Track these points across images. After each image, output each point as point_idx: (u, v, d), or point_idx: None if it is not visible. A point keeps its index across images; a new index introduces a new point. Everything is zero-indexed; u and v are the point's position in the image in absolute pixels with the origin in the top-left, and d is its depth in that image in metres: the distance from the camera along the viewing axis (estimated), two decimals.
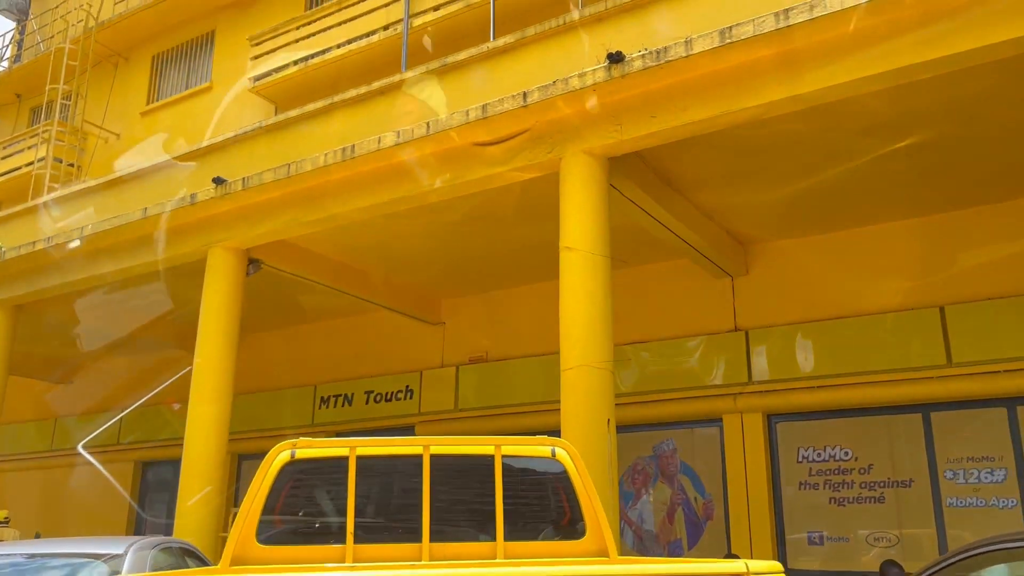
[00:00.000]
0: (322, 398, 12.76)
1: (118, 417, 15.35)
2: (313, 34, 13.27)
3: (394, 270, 10.94)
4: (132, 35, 17.30)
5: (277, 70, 13.52)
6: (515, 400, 10.96)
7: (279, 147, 8.84)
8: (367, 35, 12.43)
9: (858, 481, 8.79)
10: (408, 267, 10.79)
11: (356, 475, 3.40)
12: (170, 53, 17.18)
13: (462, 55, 7.77)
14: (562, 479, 3.62)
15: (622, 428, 10.36)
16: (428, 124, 7.34)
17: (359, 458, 3.45)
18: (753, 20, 5.85)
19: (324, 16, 13.20)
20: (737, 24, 5.92)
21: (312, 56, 13.05)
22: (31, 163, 16.91)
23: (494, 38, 9.72)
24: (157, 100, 17.03)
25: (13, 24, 20.47)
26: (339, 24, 12.98)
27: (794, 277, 9.50)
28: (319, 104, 8.67)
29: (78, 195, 10.57)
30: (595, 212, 6.75)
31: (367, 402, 12.29)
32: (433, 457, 3.52)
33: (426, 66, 8.01)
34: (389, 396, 12.16)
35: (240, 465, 13.80)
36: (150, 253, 9.61)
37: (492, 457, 3.60)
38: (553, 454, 3.64)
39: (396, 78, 8.06)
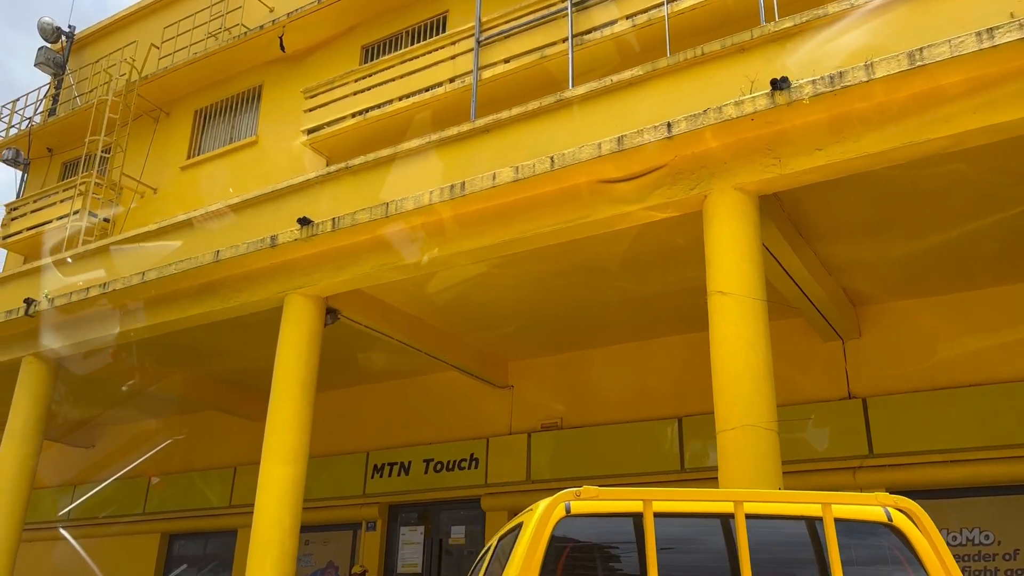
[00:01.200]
0: (375, 466, 11.83)
1: (99, 488, 14.40)
2: (372, 87, 12.86)
3: (467, 327, 10.19)
4: (175, 89, 16.96)
5: (332, 123, 13.06)
6: (598, 471, 10.07)
7: (366, 188, 8.22)
8: (431, 87, 12.01)
9: (1003, 568, 7.89)
10: (482, 323, 10.06)
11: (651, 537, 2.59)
12: (214, 107, 16.80)
13: (581, 90, 7.23)
14: (902, 550, 2.80)
15: None
16: (552, 159, 6.72)
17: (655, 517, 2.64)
18: (950, 41, 5.29)
19: (384, 69, 12.80)
20: (929, 45, 5.36)
21: (371, 108, 12.60)
22: (64, 216, 16.30)
23: (572, 85, 9.24)
24: (198, 154, 16.56)
25: (49, 78, 20.09)
26: (401, 77, 12.58)
27: (914, 340, 8.78)
28: (416, 143, 8.08)
29: (134, 239, 9.88)
30: (750, 252, 6.08)
31: (426, 471, 11.37)
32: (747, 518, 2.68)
33: (539, 101, 7.46)
34: (451, 465, 11.25)
35: None
36: (216, 300, 8.89)
37: (813, 520, 2.77)
38: (889, 518, 2.81)
39: (506, 114, 7.49)
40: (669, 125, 6.26)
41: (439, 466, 11.34)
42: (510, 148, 7.35)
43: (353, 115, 12.88)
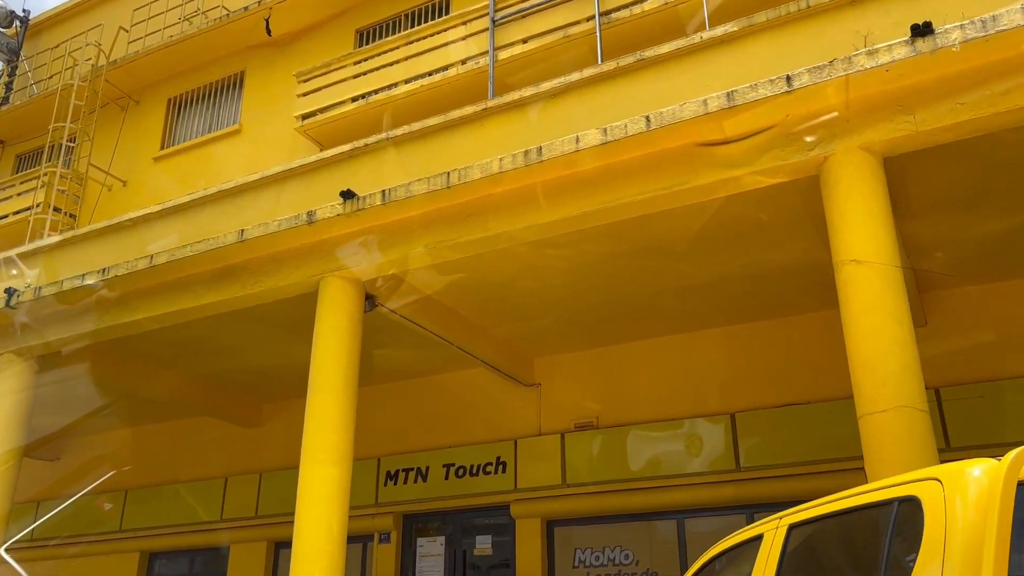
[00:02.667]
0: (388, 473, 10.93)
1: (66, 504, 13.16)
2: (373, 70, 12.09)
3: (500, 319, 9.44)
4: (146, 76, 15.87)
5: (328, 108, 12.24)
6: (642, 472, 9.40)
7: (414, 160, 7.45)
8: (440, 70, 11.32)
9: None
10: (518, 315, 9.31)
11: None
12: (190, 95, 15.73)
13: (664, 48, 6.61)
14: None
15: (782, 504, 8.94)
16: (648, 118, 6.07)
17: None
18: None
19: (387, 51, 12.06)
20: None
21: (373, 92, 11.83)
22: (21, 211, 15.00)
23: (601, 60, 8.58)
24: (173, 144, 15.46)
25: (1, 65, 18.66)
26: (406, 59, 11.85)
27: (987, 327, 8.37)
28: (471, 109, 7.35)
29: (135, 223, 8.88)
30: (883, 218, 5.52)
31: (447, 476, 10.53)
32: None
33: (635, 55, 6.78)
34: (475, 470, 10.43)
35: (278, 555, 11.73)
36: (237, 286, 7.97)
37: None
38: None
39: (590, 71, 6.81)
40: (788, 78, 5.66)
41: (461, 471, 10.52)
42: (589, 113, 6.67)
43: (353, 99, 12.11)
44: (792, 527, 2.57)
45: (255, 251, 7.77)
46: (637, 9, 10.01)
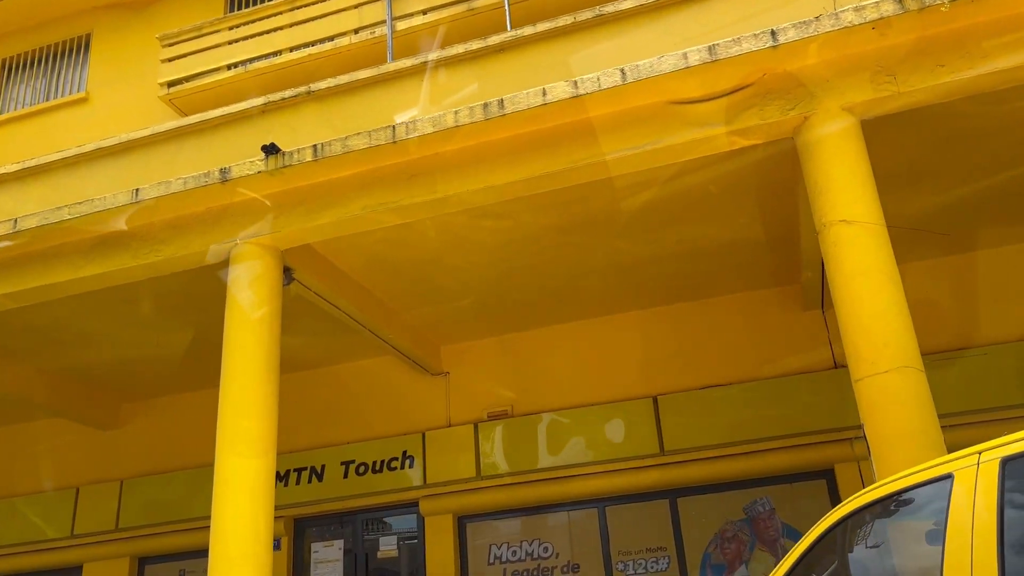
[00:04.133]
0: (277, 474, 9.90)
1: None
2: (254, 35, 11.11)
3: (415, 300, 8.76)
4: None
5: (198, 75, 11.13)
6: (564, 460, 9.00)
7: (339, 115, 6.70)
8: (329, 39, 10.56)
9: None
10: (435, 296, 8.68)
11: None
12: (23, 58, 13.85)
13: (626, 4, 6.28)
14: None
15: (707, 487, 8.81)
16: (623, 71, 5.68)
17: None
18: None
19: (268, 16, 11.11)
20: None
21: (253, 60, 10.87)
22: None
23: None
24: (4, 112, 13.54)
25: None
26: (291, 26, 10.97)
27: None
28: (410, 62, 6.69)
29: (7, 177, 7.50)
30: (867, 178, 5.41)
31: (346, 475, 9.68)
32: None
33: (572, 16, 6.41)
34: (378, 466, 9.65)
35: (142, 572, 10.37)
36: (127, 255, 6.85)
37: None
38: None
39: (545, 25, 6.35)
40: (773, 32, 5.46)
41: (363, 468, 9.70)
42: (550, 66, 6.22)
43: (229, 67, 11.05)
44: (1006, 460, 2.22)
45: (153, 215, 6.70)
46: None
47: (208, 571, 5.82)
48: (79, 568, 10.42)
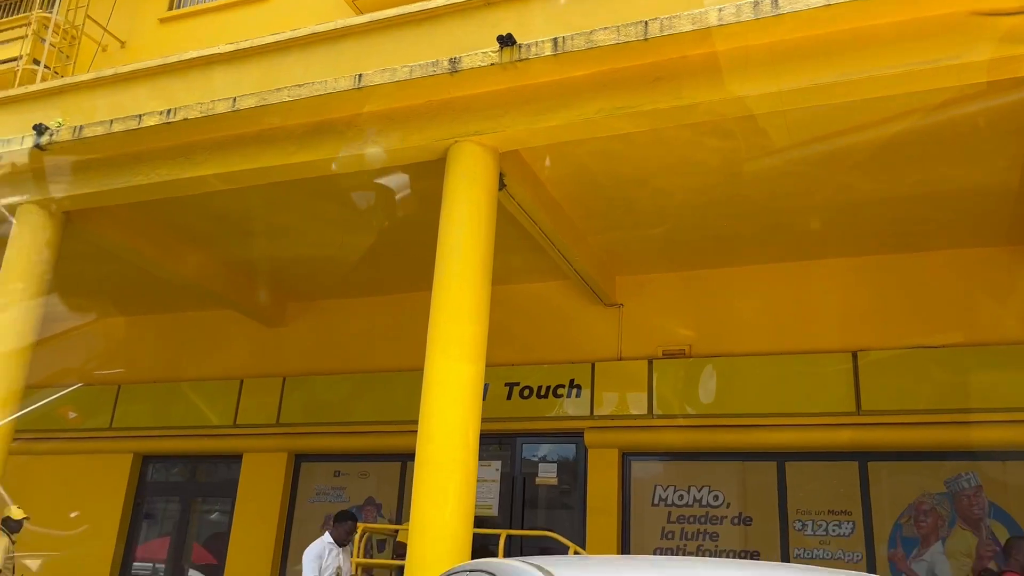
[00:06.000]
0: None
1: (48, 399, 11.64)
2: None
3: (607, 224, 8.32)
4: None
5: None
6: (744, 408, 8.51)
7: (579, 10, 6.20)
8: None
9: None
10: (630, 220, 8.22)
11: None
12: None
13: None
14: None
15: (905, 454, 8.18)
16: None
17: None
18: None
19: None
20: None
21: None
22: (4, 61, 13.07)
23: None
24: (184, 6, 13.66)
25: None
26: None
27: None
28: None
29: (206, 61, 7.40)
30: None
31: (509, 396, 9.47)
32: None
33: None
34: (543, 392, 9.40)
35: (298, 468, 10.54)
36: (339, 144, 6.63)
37: None
38: None
39: None
40: None
41: (527, 392, 9.47)
42: None
43: None
44: None
45: (372, 103, 6.43)
46: None
47: (415, 473, 5.67)
48: (239, 457, 10.66)
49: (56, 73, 13.09)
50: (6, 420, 7.25)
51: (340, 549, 7.67)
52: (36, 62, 12.83)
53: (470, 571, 2.44)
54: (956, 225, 7.81)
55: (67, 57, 13.40)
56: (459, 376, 5.75)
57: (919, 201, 7.42)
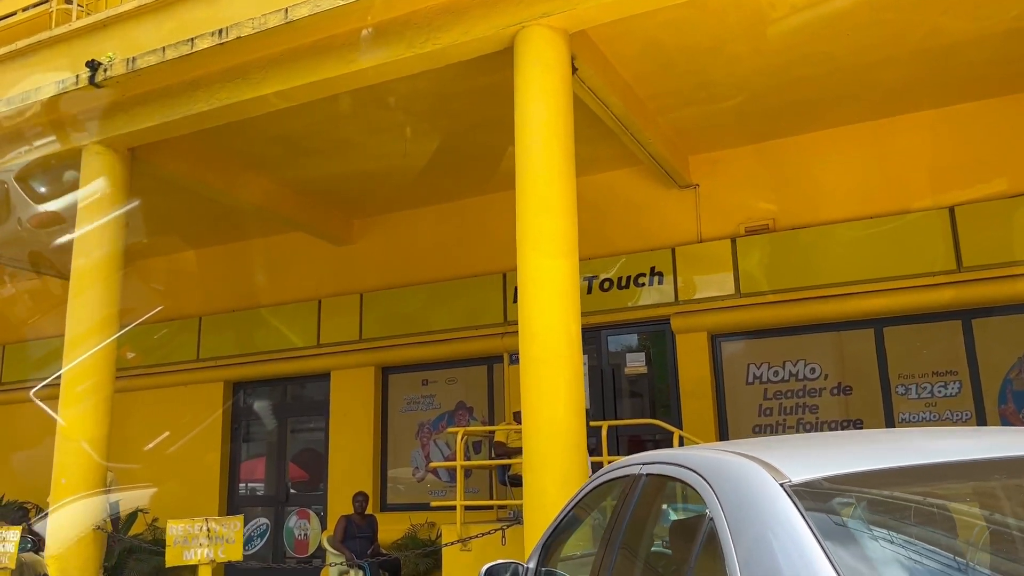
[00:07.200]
0: (516, 288, 9.68)
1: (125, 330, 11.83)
2: None
3: (679, 100, 7.95)
4: None
5: None
6: (837, 277, 8.26)
7: None
8: None
9: None
10: (702, 95, 7.83)
11: None
12: None
13: None
14: None
15: (1012, 307, 7.88)
16: None
17: None
18: None
19: None
20: None
21: None
22: (29, 7, 12.83)
23: None
24: None
25: None
26: None
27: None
28: None
29: None
30: None
31: (589, 290, 9.34)
32: None
33: None
34: (624, 282, 9.25)
35: (386, 380, 10.67)
36: (402, 45, 6.35)
37: None
38: None
39: None
40: None
41: (607, 284, 9.33)
42: None
43: None
44: None
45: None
46: None
47: (521, 373, 5.60)
48: (327, 375, 10.84)
49: (88, 12, 12.86)
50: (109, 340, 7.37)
51: None
52: (68, 1, 12.60)
53: (659, 463, 2.32)
54: None
55: None
56: (554, 272, 5.61)
57: (1018, 36, 6.88)
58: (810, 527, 1.64)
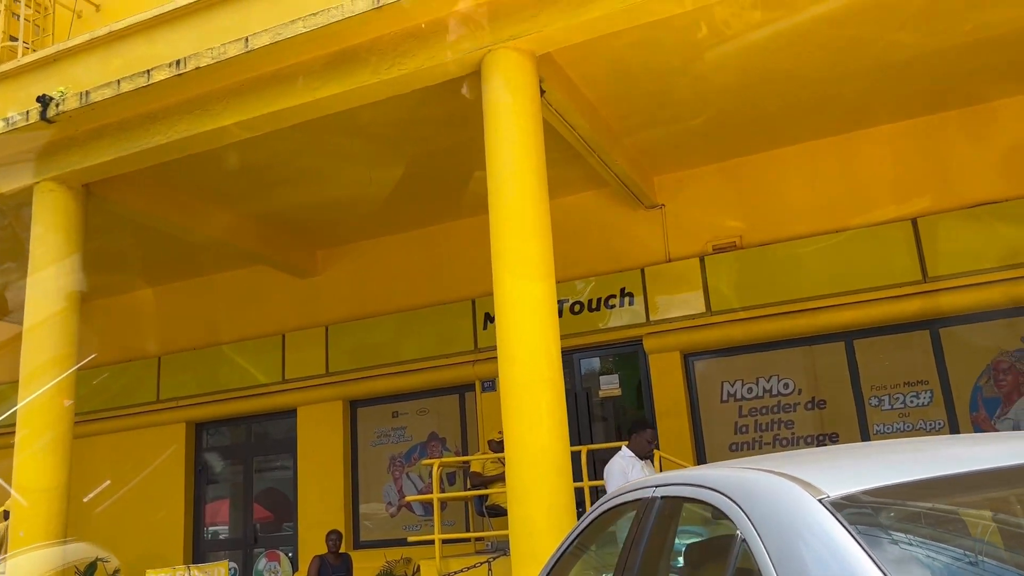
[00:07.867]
0: (487, 314, 9.60)
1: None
2: None
3: (644, 120, 7.97)
4: None
5: None
6: (804, 292, 8.31)
7: None
8: None
9: None
10: (666, 115, 7.86)
11: None
12: None
13: None
14: None
15: (977, 316, 7.98)
16: None
17: None
18: None
19: None
20: None
21: None
22: None
23: None
24: None
25: None
26: None
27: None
28: None
29: (198, 7, 6.95)
30: None
31: (560, 314, 9.19)
32: None
33: None
34: (595, 304, 9.20)
35: (355, 414, 10.44)
36: (366, 71, 6.25)
37: None
38: None
39: None
40: None
41: (578, 307, 9.27)
42: None
43: None
44: None
45: (394, 23, 6.04)
46: None
47: (502, 398, 5.48)
48: (293, 411, 10.57)
49: (33, 50, 12.56)
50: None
51: (643, 462, 6.24)
52: (13, 39, 12.29)
53: (675, 484, 2.22)
54: (1017, 69, 7.42)
55: (42, 30, 12.83)
56: (532, 295, 5.52)
57: (974, 49, 7.03)
58: (858, 542, 1.56)
